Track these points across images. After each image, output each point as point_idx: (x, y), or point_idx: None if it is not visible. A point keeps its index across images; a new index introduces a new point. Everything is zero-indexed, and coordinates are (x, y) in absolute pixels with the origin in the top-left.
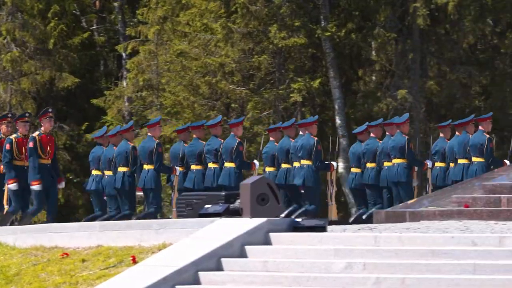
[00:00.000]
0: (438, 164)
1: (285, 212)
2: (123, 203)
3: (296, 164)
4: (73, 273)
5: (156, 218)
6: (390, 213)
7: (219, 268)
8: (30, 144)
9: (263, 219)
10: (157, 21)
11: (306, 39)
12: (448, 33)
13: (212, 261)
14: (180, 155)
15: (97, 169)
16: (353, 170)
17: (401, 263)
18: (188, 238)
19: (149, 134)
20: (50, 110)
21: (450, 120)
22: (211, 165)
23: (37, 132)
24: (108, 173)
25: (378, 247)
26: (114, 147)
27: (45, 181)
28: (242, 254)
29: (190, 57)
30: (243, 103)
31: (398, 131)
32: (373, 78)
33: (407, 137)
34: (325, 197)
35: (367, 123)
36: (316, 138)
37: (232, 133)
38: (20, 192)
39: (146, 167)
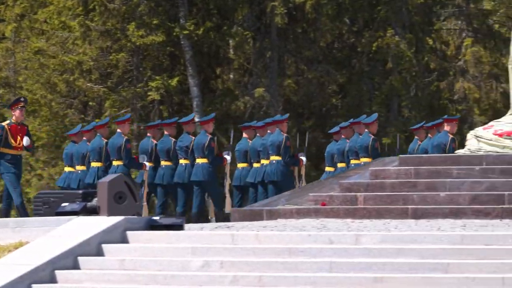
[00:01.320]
0: None
1: None
2: None
3: (264, 161)
4: None
5: None
6: (247, 211)
7: (76, 266)
8: None
9: (120, 218)
10: (15, 18)
11: (164, 37)
12: (306, 32)
13: (69, 260)
14: (150, 151)
15: (70, 165)
16: (327, 169)
17: (258, 261)
18: (45, 237)
19: (118, 130)
20: (22, 99)
21: (424, 122)
22: (182, 161)
23: (7, 121)
24: (80, 167)
25: (235, 245)
26: (88, 143)
27: (16, 171)
28: (99, 253)
29: (47, 55)
30: (101, 101)
31: (366, 130)
32: (231, 76)
33: (372, 136)
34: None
35: (341, 124)
36: (285, 134)
37: (203, 129)
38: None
39: (115, 163)
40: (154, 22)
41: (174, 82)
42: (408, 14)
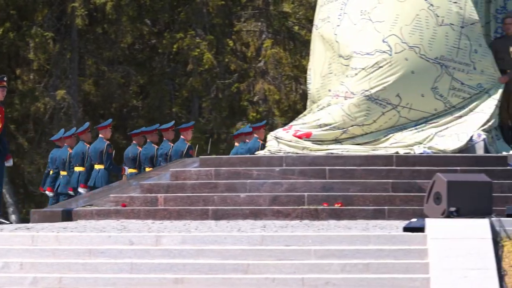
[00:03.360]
0: None
1: None
2: None
3: None
4: None
5: None
6: (47, 212)
7: None
8: None
9: None
10: None
11: None
12: (107, 33)
13: None
14: (131, 157)
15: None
16: None
17: (58, 262)
18: None
19: (100, 135)
20: (5, 78)
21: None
22: None
23: None
24: (63, 173)
25: (35, 246)
26: (69, 149)
27: None
28: None
29: None
30: None
31: None
32: (31, 77)
33: None
34: None
35: None
36: (261, 142)
37: (182, 137)
38: None
39: (96, 166)
40: None
41: None
42: (208, 15)
